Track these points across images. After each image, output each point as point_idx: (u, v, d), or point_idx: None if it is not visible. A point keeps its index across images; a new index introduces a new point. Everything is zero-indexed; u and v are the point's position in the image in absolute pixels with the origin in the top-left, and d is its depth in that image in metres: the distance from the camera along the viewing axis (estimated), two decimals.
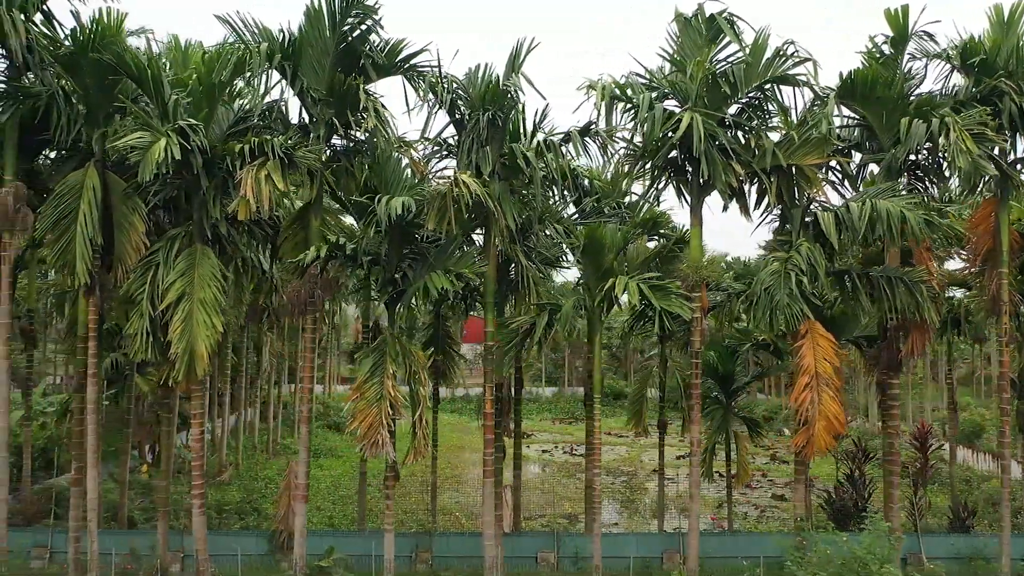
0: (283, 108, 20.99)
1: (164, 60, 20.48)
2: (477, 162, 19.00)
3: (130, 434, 28.24)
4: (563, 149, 19.15)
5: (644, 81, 20.44)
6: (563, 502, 35.03)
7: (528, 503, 33.08)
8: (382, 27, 18.94)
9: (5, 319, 19.91)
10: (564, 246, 22.37)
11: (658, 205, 21.29)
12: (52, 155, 22.48)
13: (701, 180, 19.70)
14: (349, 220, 24.58)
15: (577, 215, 22.62)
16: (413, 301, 20.22)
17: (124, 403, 27.97)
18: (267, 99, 20.60)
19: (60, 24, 20.27)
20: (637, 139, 20.25)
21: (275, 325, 42.77)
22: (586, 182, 23.55)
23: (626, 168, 21.75)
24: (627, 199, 24.69)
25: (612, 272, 19.08)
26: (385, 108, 19.46)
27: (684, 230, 25.11)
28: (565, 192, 20.65)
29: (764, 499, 37.38)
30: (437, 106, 19.82)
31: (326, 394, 62.48)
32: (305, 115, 20.53)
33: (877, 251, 21.96)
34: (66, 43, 19.17)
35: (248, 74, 19.32)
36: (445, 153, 21.05)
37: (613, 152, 19.18)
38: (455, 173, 17.74)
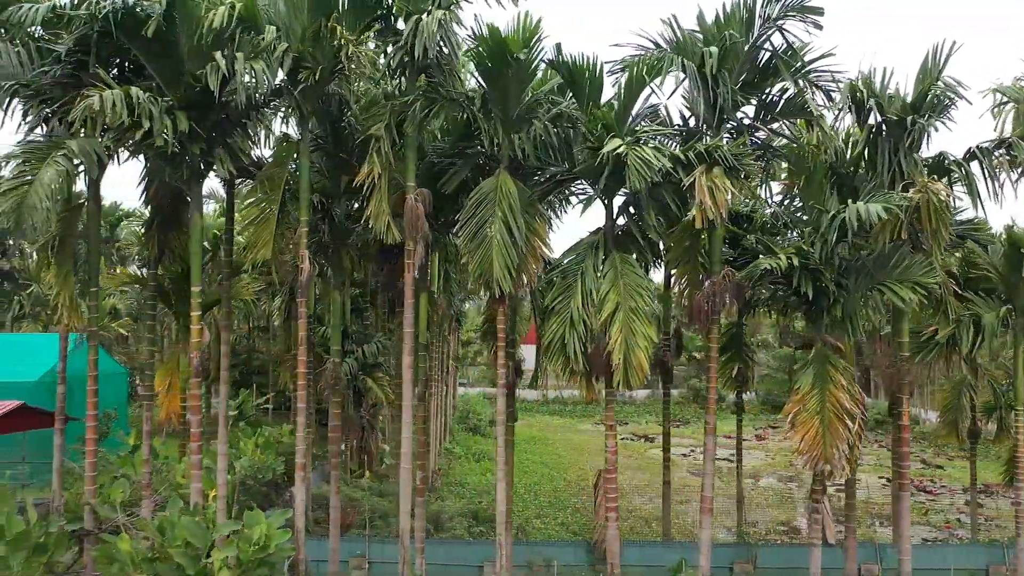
0: (663, 110, 20.68)
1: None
2: (907, 170, 18.49)
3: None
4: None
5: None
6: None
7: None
8: (820, 28, 18.38)
9: (410, 328, 19.38)
10: None
11: None
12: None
13: None
14: None
15: None
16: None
17: (349, 409, 27.80)
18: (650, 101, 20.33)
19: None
20: None
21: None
22: None
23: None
24: None
25: None
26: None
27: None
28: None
29: (956, 507, 34.82)
30: (843, 110, 19.42)
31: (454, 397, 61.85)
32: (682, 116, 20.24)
33: None
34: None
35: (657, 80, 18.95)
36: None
37: None
38: (928, 182, 17.27)
